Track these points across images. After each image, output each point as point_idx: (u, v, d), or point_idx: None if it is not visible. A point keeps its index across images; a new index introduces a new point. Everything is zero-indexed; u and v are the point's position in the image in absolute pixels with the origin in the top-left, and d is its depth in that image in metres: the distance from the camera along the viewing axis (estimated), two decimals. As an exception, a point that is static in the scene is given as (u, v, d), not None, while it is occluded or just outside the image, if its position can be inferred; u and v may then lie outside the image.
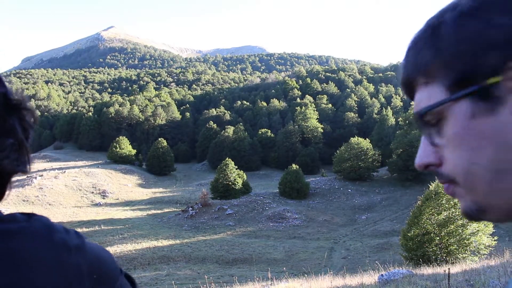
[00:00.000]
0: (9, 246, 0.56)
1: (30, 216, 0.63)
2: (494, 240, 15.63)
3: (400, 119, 59.81)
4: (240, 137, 74.35)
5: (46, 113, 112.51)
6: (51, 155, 77.76)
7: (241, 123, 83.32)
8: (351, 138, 56.52)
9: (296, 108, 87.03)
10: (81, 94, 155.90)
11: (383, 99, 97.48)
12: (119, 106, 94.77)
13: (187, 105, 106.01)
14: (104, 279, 0.67)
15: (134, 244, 29.68)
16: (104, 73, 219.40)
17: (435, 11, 0.42)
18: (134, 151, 74.16)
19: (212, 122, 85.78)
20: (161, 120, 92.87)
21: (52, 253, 0.59)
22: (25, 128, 0.65)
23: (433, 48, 0.44)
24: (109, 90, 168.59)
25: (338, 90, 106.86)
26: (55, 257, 0.59)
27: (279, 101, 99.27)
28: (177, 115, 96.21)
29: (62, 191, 51.40)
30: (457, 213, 15.26)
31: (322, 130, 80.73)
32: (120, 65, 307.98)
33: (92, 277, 0.64)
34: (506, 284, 0.51)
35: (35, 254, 0.58)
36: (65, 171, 57.99)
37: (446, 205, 15.59)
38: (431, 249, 15.48)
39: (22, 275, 0.56)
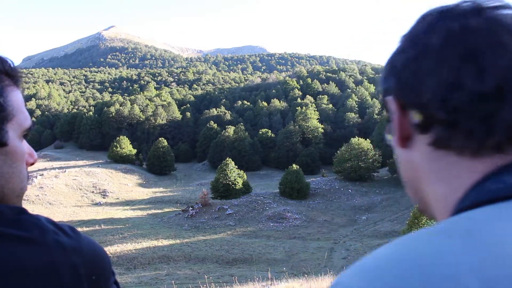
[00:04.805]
0: None
1: (19, 214, 0.58)
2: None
3: (401, 119, 59.69)
4: (240, 137, 74.34)
5: (46, 113, 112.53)
6: (52, 154, 77.76)
7: (241, 123, 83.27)
8: (352, 139, 56.49)
9: (297, 108, 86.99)
10: (82, 94, 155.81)
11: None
12: (120, 106, 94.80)
13: (188, 105, 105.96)
14: (102, 279, 0.65)
15: (134, 243, 29.68)
16: (104, 73, 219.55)
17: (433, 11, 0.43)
18: (134, 151, 74.18)
19: (212, 122, 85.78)
20: (162, 120, 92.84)
21: (44, 256, 0.56)
22: None
23: None
24: (110, 89, 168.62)
25: (339, 91, 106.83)
26: (48, 260, 0.56)
27: (279, 101, 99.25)
28: (177, 114, 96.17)
29: (63, 191, 51.41)
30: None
31: (322, 130, 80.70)
32: (120, 64, 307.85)
33: (90, 278, 0.61)
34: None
35: (25, 260, 0.54)
36: (65, 171, 58.00)
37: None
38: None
39: (11, 285, 0.52)
